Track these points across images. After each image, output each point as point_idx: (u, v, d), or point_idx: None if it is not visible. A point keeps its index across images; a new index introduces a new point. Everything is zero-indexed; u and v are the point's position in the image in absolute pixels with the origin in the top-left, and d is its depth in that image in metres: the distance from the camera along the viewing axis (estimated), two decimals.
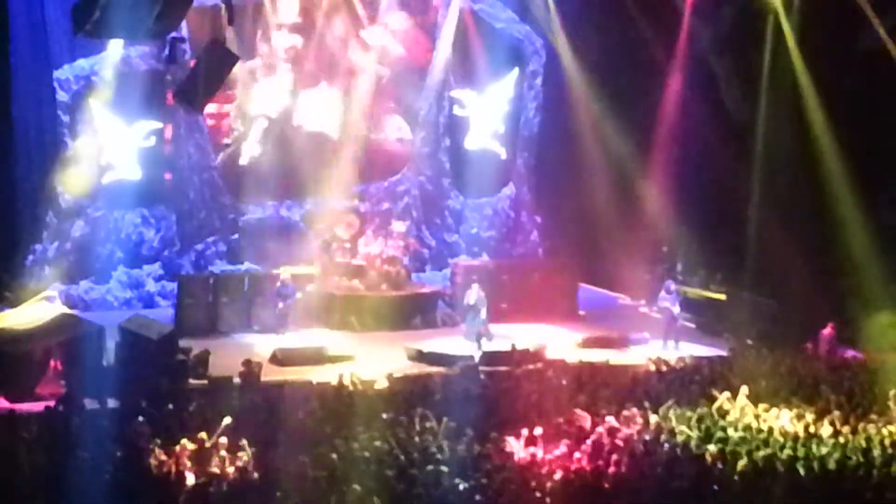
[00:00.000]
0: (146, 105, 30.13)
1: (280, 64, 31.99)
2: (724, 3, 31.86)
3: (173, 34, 24.95)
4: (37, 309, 25.58)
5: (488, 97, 34.09)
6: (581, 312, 31.40)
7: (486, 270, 31.34)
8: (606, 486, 17.29)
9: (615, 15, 32.29)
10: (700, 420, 20.44)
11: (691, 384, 22.92)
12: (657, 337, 28.38)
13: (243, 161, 31.89)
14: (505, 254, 34.24)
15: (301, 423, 19.56)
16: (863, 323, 27.57)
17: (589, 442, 18.66)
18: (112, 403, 20.82)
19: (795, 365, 24.54)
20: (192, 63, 25.47)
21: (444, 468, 17.15)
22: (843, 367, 25.05)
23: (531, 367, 24.44)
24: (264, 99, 31.93)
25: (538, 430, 19.05)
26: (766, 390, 22.16)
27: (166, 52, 26.45)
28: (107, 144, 30.15)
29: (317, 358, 25.79)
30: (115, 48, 29.68)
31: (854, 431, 20.29)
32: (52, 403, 20.66)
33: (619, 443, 18.74)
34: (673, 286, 29.00)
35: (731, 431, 19.84)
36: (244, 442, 18.00)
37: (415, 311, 29.61)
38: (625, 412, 20.35)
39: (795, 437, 19.74)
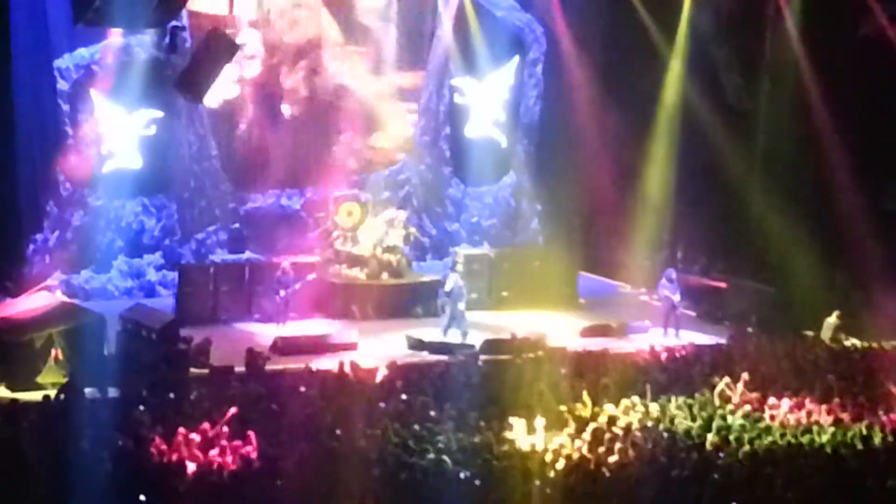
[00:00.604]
0: (146, 94, 30.07)
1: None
2: None
3: (174, 23, 24.91)
4: (38, 298, 25.61)
5: (489, 85, 34.07)
6: (581, 300, 31.42)
7: (486, 259, 31.38)
8: (607, 474, 17.32)
9: (615, 2, 32.27)
10: (700, 408, 20.47)
11: (692, 372, 22.93)
12: (658, 325, 28.40)
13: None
14: (505, 242, 34.22)
15: (302, 411, 19.55)
16: (864, 311, 27.59)
17: (589, 430, 18.68)
18: (113, 393, 20.80)
19: (796, 353, 24.54)
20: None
21: (445, 457, 17.17)
22: (845, 354, 25.05)
23: (531, 355, 24.43)
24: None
25: (539, 419, 19.08)
26: (766, 378, 22.18)
27: (167, 40, 26.38)
28: (107, 133, 30.12)
29: (318, 347, 25.79)
30: (115, 37, 29.65)
31: (855, 419, 20.31)
32: (52, 393, 20.67)
33: (620, 431, 18.75)
34: (673, 274, 28.99)
35: (731, 419, 19.86)
36: (245, 431, 18.01)
37: (415, 300, 29.61)
38: (625, 400, 20.37)
39: (796, 425, 19.77)
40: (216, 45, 23.36)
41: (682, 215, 31.99)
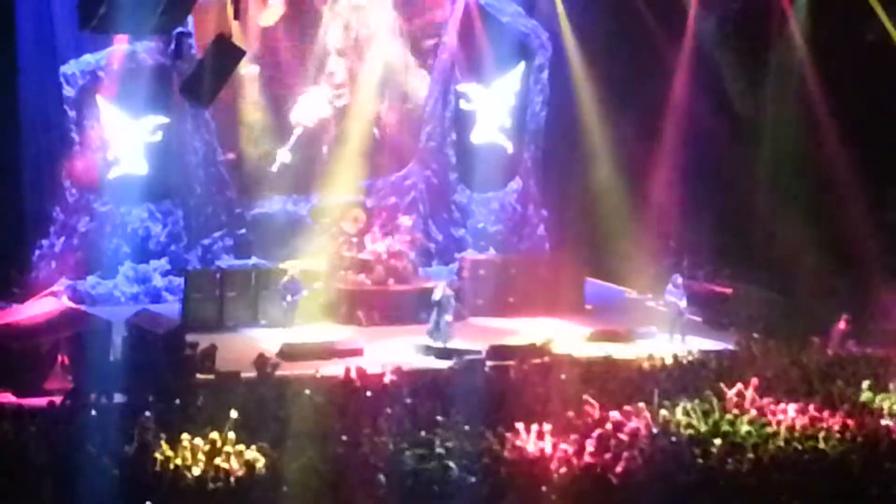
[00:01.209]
0: (152, 100, 30.14)
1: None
2: None
3: (179, 29, 24.96)
4: (44, 304, 25.64)
5: (494, 91, 34.09)
6: (588, 306, 31.41)
7: (492, 264, 31.37)
8: (614, 480, 17.29)
9: (620, 8, 32.26)
10: (707, 414, 20.42)
11: (698, 378, 22.89)
12: (664, 331, 28.38)
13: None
14: (512, 248, 34.23)
15: (308, 417, 19.54)
16: (871, 317, 27.55)
17: (596, 436, 18.65)
18: (119, 398, 20.81)
19: (802, 359, 24.50)
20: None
21: (451, 462, 17.15)
22: (851, 360, 25.00)
23: (538, 361, 24.42)
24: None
25: (546, 425, 19.05)
26: (772, 384, 22.13)
27: (172, 46, 26.44)
28: (113, 139, 30.17)
29: (324, 353, 25.79)
30: (121, 43, 29.70)
31: (860, 425, 20.26)
32: (58, 398, 20.68)
33: (626, 437, 18.72)
34: (679, 280, 28.98)
35: (737, 425, 19.82)
36: (251, 437, 18.00)
37: (421, 306, 29.57)
38: (632, 406, 20.33)
39: (802, 431, 19.72)
40: (222, 52, 23.38)
41: (688, 221, 31.96)
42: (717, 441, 18.71)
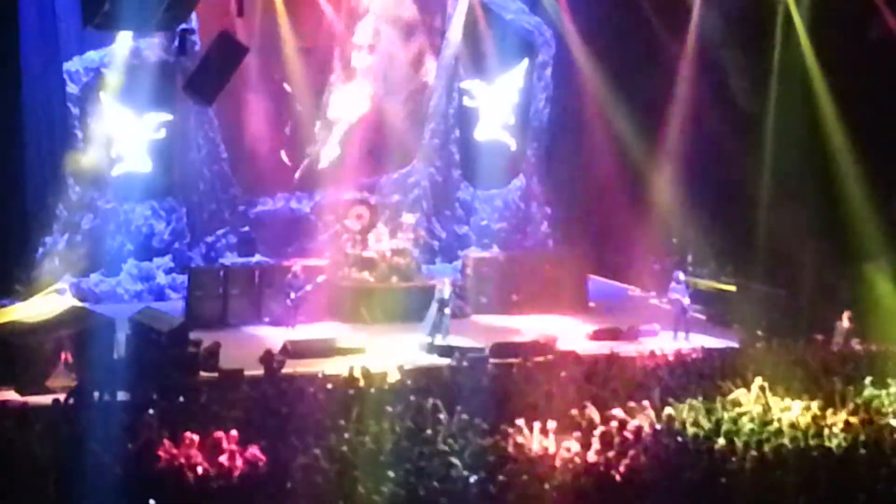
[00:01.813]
0: (156, 97, 30.15)
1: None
2: None
3: (183, 26, 24.94)
4: (47, 301, 25.69)
5: (498, 88, 34.08)
6: (591, 304, 31.41)
7: (496, 262, 31.36)
8: (617, 478, 17.28)
9: (624, 5, 32.22)
10: (710, 412, 20.40)
11: (701, 376, 22.87)
12: (667, 328, 28.37)
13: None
14: (515, 245, 34.24)
15: (311, 415, 19.54)
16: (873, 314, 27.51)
17: (598, 434, 18.64)
18: (122, 396, 20.82)
19: (806, 356, 24.48)
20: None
21: (455, 460, 17.15)
22: (855, 357, 24.98)
23: (541, 358, 24.41)
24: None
25: (549, 423, 19.04)
26: (776, 381, 22.10)
27: (176, 43, 26.41)
28: (116, 136, 30.18)
29: (327, 350, 25.79)
30: (124, 40, 29.69)
31: (865, 422, 20.24)
32: (62, 396, 20.68)
33: (630, 435, 18.70)
34: (683, 277, 28.98)
35: (741, 423, 19.80)
36: (254, 434, 18.00)
37: (425, 303, 29.55)
38: (635, 404, 20.33)
39: (806, 429, 19.70)
40: (226, 49, 23.40)
41: (692, 218, 31.90)
42: (721, 439, 18.68)
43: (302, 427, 18.72)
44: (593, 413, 19.93)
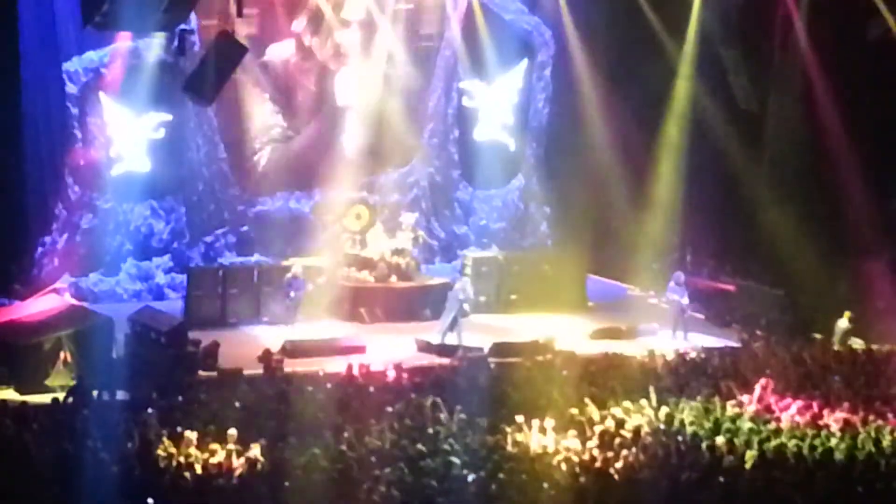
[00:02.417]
0: (155, 97, 30.10)
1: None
2: None
3: (182, 26, 24.95)
4: (46, 301, 25.66)
5: (497, 88, 34.06)
6: (590, 303, 31.40)
7: (495, 262, 31.36)
8: (616, 477, 17.30)
9: (624, 4, 32.22)
10: (709, 411, 20.43)
11: (700, 375, 22.90)
12: (667, 328, 28.37)
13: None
14: (514, 245, 34.21)
15: (310, 414, 19.55)
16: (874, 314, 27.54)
17: (598, 433, 18.66)
18: (121, 395, 20.84)
19: (805, 356, 24.50)
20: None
21: (454, 459, 17.16)
22: (854, 357, 25.00)
23: (541, 358, 24.42)
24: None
25: (548, 421, 19.06)
26: (775, 381, 22.13)
27: (175, 43, 26.41)
28: (116, 136, 30.16)
29: (326, 350, 25.79)
30: (124, 40, 29.68)
31: (864, 422, 20.26)
32: (61, 395, 20.69)
33: (629, 434, 18.73)
34: (682, 277, 28.99)
35: (740, 422, 19.82)
36: (253, 434, 18.01)
37: (424, 303, 29.59)
38: (634, 403, 20.34)
39: (805, 428, 19.73)
40: (225, 49, 23.41)
41: (691, 218, 31.94)
42: (720, 438, 18.70)
43: (301, 426, 18.74)
44: (593, 412, 19.96)
